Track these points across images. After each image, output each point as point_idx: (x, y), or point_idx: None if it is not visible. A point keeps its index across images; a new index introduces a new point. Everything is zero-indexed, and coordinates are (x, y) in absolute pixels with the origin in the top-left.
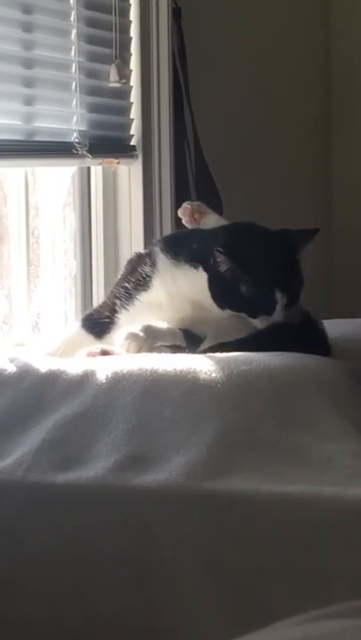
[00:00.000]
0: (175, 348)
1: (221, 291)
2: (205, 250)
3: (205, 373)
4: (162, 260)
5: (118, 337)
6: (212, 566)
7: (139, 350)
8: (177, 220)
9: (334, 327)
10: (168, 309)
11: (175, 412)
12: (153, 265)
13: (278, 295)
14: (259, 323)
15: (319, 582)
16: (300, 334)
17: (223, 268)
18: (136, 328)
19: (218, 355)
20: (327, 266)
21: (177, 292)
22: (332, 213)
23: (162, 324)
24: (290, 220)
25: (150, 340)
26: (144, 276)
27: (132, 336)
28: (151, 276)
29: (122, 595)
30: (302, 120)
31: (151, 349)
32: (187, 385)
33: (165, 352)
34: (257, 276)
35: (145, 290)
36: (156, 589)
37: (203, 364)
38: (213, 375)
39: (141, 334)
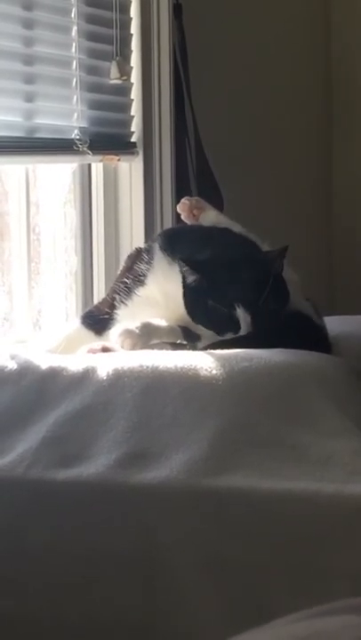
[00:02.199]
0: (176, 345)
1: (192, 303)
2: (193, 252)
3: (206, 370)
4: (158, 257)
5: (113, 333)
6: (212, 563)
7: (133, 347)
8: (178, 217)
9: (335, 324)
10: (163, 307)
11: (176, 409)
12: (149, 262)
13: (240, 311)
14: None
15: (319, 579)
16: (300, 332)
17: (190, 279)
18: (133, 324)
19: (218, 352)
20: (328, 263)
21: (170, 290)
22: (332, 211)
23: (161, 321)
24: (290, 218)
25: (145, 336)
26: (140, 272)
27: (127, 332)
28: (146, 273)
29: (122, 592)
30: (303, 115)
31: (146, 346)
32: (187, 382)
33: (166, 349)
34: (220, 290)
35: (142, 286)
36: (156, 586)
37: (203, 361)
38: (214, 372)
39: (136, 331)
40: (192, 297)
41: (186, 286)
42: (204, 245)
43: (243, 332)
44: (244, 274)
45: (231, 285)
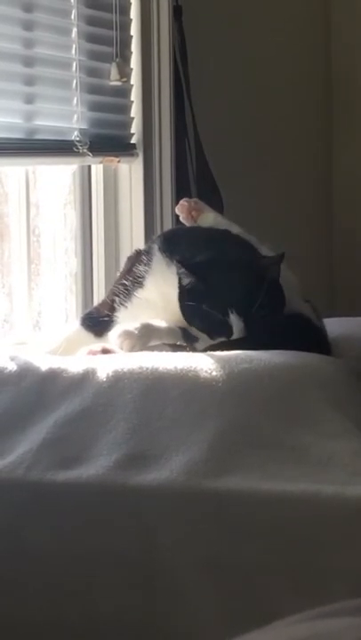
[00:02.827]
0: (176, 347)
1: (186, 305)
2: (191, 254)
3: (206, 372)
4: (157, 258)
5: (112, 334)
6: (212, 564)
7: (132, 348)
8: (177, 219)
9: (335, 325)
10: (162, 308)
11: (176, 411)
12: (148, 263)
13: (233, 317)
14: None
15: (319, 581)
16: (300, 334)
17: (185, 281)
18: (132, 326)
19: (218, 353)
20: (328, 263)
21: (168, 292)
22: (332, 211)
23: (161, 322)
24: (290, 218)
25: (144, 337)
26: (139, 274)
27: (126, 333)
28: (145, 275)
29: (122, 594)
30: (302, 119)
31: (145, 347)
32: (187, 383)
33: (166, 350)
34: (214, 294)
35: (141, 287)
36: (156, 588)
37: (203, 363)
38: (214, 374)
39: (135, 332)
40: (187, 299)
41: (181, 288)
42: (201, 248)
43: (235, 337)
44: (240, 279)
45: (226, 290)
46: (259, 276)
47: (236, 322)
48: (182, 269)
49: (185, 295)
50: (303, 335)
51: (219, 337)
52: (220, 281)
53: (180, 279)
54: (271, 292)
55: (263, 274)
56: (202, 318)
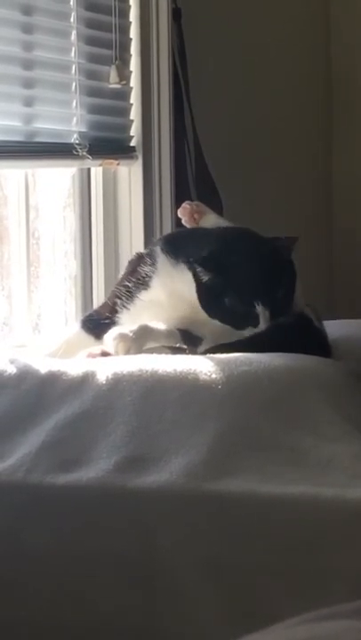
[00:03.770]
0: (176, 349)
1: (208, 300)
2: (200, 253)
3: (206, 374)
4: (161, 259)
5: (107, 337)
6: (212, 566)
7: (127, 351)
8: (177, 221)
9: (335, 327)
10: (168, 309)
11: (175, 413)
12: (153, 264)
13: (260, 308)
14: (246, 334)
15: (319, 583)
16: (301, 336)
17: (204, 278)
18: (128, 328)
19: (218, 355)
20: (328, 263)
21: (175, 292)
22: (332, 213)
23: (159, 324)
24: (290, 220)
25: (140, 340)
26: (144, 275)
27: (121, 336)
28: (151, 275)
29: (122, 595)
30: (302, 120)
31: (141, 350)
32: (187, 386)
33: (165, 353)
34: (239, 287)
35: (145, 289)
36: (156, 590)
37: (203, 365)
38: (214, 376)
39: (130, 334)
40: (208, 294)
41: (200, 286)
42: (212, 244)
43: (262, 326)
44: (261, 269)
45: (249, 281)
46: (277, 262)
47: (262, 312)
48: (200, 267)
49: (206, 290)
50: (304, 336)
51: (246, 327)
52: (242, 272)
53: (197, 277)
54: (289, 275)
55: (280, 258)
56: (226, 311)
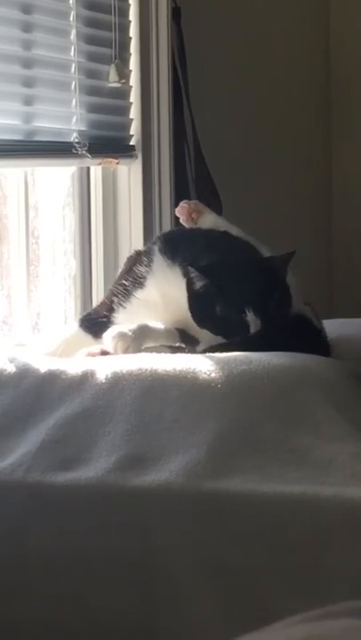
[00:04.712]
0: (175, 349)
1: (199, 307)
2: (196, 259)
3: (205, 373)
4: (158, 259)
5: (106, 335)
6: (211, 566)
7: (126, 350)
8: (176, 221)
9: (335, 327)
10: (163, 309)
11: (175, 412)
12: (149, 264)
13: (251, 317)
14: None
15: (319, 582)
16: (300, 335)
17: (198, 284)
18: (127, 327)
19: (217, 355)
20: (328, 263)
21: (170, 293)
22: (332, 213)
23: (158, 323)
24: (290, 219)
25: (139, 339)
26: (140, 274)
27: (120, 335)
28: (146, 275)
29: (122, 595)
30: (302, 120)
31: (139, 349)
32: (187, 385)
33: (165, 352)
34: (231, 296)
35: (141, 288)
36: (155, 589)
37: (202, 364)
38: (213, 375)
39: (129, 333)
40: (199, 303)
41: (193, 292)
42: (206, 249)
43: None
44: (254, 278)
45: (241, 290)
46: (271, 275)
47: (253, 320)
48: (194, 273)
49: (197, 298)
50: (304, 336)
51: (235, 337)
52: (235, 281)
53: (191, 282)
54: (282, 289)
55: (277, 271)
56: (216, 320)
